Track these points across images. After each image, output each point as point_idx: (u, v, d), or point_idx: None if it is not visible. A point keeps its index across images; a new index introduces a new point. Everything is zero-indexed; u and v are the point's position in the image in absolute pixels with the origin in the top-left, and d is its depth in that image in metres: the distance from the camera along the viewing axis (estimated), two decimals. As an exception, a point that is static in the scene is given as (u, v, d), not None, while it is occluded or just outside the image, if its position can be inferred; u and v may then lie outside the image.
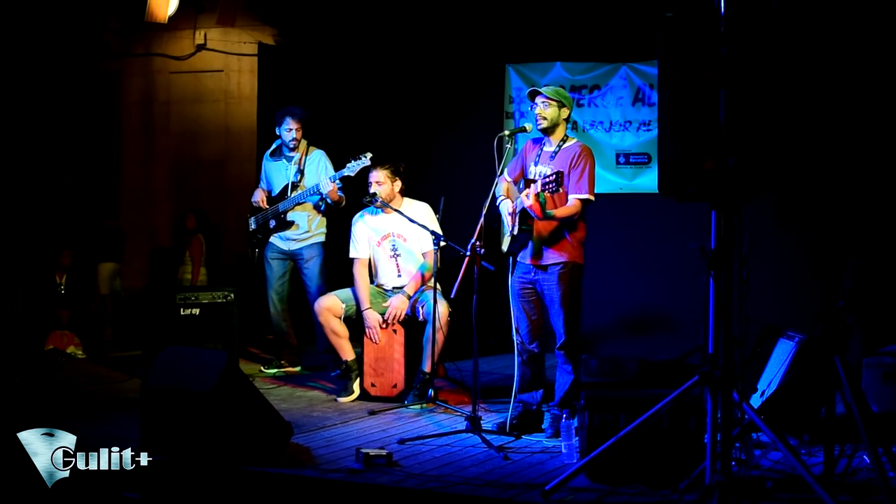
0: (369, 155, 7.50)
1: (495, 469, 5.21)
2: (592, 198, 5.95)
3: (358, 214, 7.41)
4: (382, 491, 4.86)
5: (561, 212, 5.90)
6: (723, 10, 4.29)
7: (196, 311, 7.66)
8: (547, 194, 5.71)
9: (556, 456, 5.47)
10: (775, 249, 7.59)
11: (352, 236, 7.37)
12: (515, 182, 6.23)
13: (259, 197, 8.26)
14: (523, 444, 5.79)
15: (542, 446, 5.74)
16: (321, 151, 8.15)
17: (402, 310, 7.01)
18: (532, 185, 5.75)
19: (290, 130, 8.03)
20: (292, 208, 8.06)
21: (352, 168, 7.58)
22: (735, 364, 4.44)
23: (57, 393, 7.39)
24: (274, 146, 8.30)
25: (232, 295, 7.81)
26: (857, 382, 5.06)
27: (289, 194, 8.07)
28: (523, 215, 5.86)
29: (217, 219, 10.64)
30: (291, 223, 8.08)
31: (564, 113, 6.07)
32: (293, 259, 8.18)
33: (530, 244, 6.03)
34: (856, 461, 4.98)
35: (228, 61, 10.61)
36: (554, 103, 6.03)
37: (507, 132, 6.11)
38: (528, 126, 6.23)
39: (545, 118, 6.04)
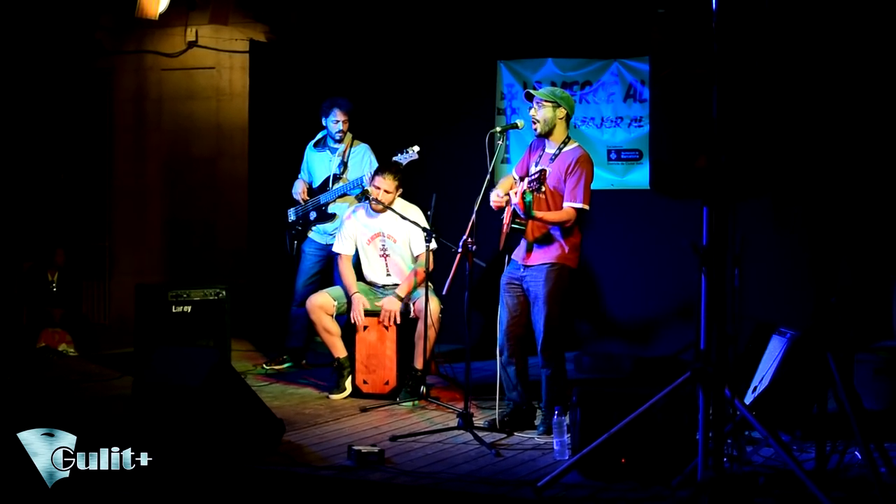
0: (416, 148, 7.40)
1: (487, 466, 5.21)
2: (587, 207, 5.88)
3: (350, 210, 7.40)
4: (374, 488, 4.86)
5: (549, 216, 5.87)
6: (715, 6, 4.28)
7: (188, 308, 7.65)
8: (535, 194, 5.71)
9: (548, 453, 5.47)
10: (774, 249, 7.59)
11: (339, 230, 7.36)
12: (520, 180, 6.21)
13: (300, 189, 8.16)
14: (515, 441, 5.79)
15: (534, 443, 5.74)
16: (366, 145, 8.08)
17: (395, 312, 7.00)
18: (520, 184, 5.77)
19: (336, 122, 7.95)
20: (334, 201, 8.02)
21: (400, 160, 7.44)
22: (727, 360, 4.44)
23: (49, 391, 7.37)
24: (318, 136, 8.22)
25: (224, 292, 7.79)
26: (849, 378, 5.07)
27: (330, 186, 8.03)
28: (515, 213, 5.85)
29: (209, 216, 10.62)
30: (333, 215, 8.00)
31: (560, 113, 6.01)
32: (329, 254, 8.09)
33: (523, 242, 6.02)
34: (848, 457, 4.99)
35: (220, 58, 10.59)
36: (547, 105, 5.99)
37: (498, 128, 6.10)
38: (520, 122, 6.21)
39: (538, 121, 6.01)
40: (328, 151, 8.12)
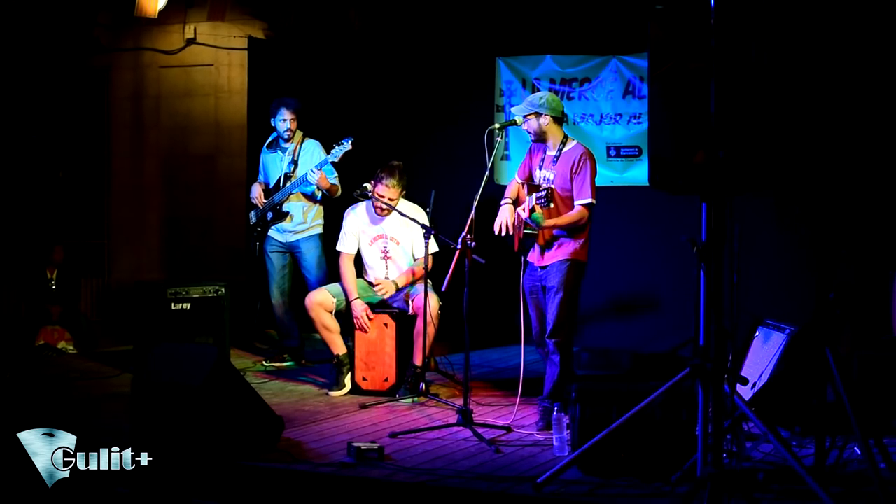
0: (351, 139, 7.57)
1: (487, 462, 5.22)
2: (594, 201, 6.03)
3: (351, 208, 7.38)
4: (374, 484, 4.86)
5: (563, 220, 6.00)
6: (713, 1, 4.28)
7: (187, 305, 7.65)
8: (539, 209, 5.82)
9: (547, 449, 5.48)
10: (775, 245, 7.60)
11: (342, 228, 7.35)
12: (524, 184, 6.26)
13: (256, 192, 8.29)
14: (515, 437, 5.79)
15: (533, 439, 5.75)
16: (315, 141, 8.16)
17: (389, 291, 7.09)
18: (528, 198, 5.93)
19: (284, 121, 8.03)
20: (287, 199, 8.07)
21: (334, 154, 7.62)
22: (726, 356, 4.44)
23: (48, 388, 7.36)
24: (270, 138, 8.32)
25: (223, 289, 7.80)
26: (848, 374, 5.07)
27: (282, 185, 8.08)
28: (527, 223, 5.95)
29: (207, 213, 10.61)
30: (287, 214, 8.08)
31: (545, 119, 6.09)
32: (291, 252, 8.19)
33: (536, 246, 6.13)
34: (847, 453, 4.99)
35: (218, 56, 10.56)
36: (530, 117, 6.10)
37: (497, 125, 6.13)
38: (519, 119, 6.24)
39: (529, 133, 6.19)
40: (280, 152, 8.24)
